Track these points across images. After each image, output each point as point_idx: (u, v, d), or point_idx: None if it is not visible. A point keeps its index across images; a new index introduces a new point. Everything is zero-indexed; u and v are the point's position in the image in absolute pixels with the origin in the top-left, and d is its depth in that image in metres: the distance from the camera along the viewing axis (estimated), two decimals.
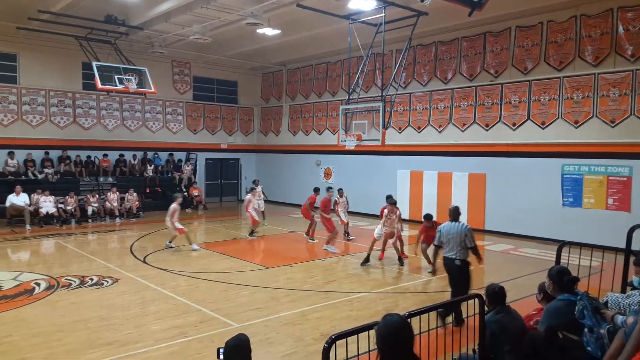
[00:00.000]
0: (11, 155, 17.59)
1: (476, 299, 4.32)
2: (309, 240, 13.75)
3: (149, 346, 6.20)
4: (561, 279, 4.21)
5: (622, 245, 6.02)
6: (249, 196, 15.05)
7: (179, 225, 12.35)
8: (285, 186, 22.75)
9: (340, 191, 14.24)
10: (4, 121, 17.92)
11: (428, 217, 10.60)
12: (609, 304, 4.33)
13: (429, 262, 10.28)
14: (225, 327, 6.91)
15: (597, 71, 13.21)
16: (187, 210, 20.00)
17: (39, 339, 6.43)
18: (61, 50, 18.50)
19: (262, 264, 11.04)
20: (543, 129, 14.30)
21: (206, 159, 23.31)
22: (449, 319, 6.43)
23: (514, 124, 14.94)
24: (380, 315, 7.48)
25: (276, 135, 24.04)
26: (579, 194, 13.54)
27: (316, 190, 14.23)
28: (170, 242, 12.52)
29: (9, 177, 17.09)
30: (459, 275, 6.95)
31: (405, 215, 17.86)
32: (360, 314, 7.57)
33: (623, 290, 5.32)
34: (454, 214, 7.23)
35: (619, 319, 3.67)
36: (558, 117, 13.98)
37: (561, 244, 5.93)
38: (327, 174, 21.18)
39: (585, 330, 3.81)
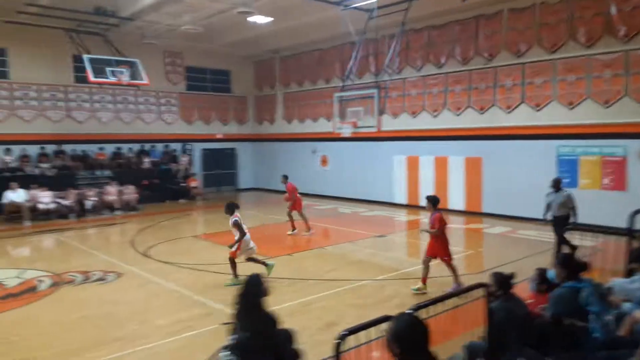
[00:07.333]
0: (8, 151, 17.51)
1: (480, 288, 4.40)
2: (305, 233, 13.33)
3: (155, 341, 6.25)
4: (570, 265, 4.27)
5: (619, 223, 6.09)
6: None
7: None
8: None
9: None
10: None
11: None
12: (615, 290, 4.41)
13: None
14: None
15: (590, 52, 13.23)
16: (180, 200, 20.06)
17: (47, 337, 6.48)
18: (51, 44, 18.24)
19: (263, 254, 11.07)
20: (537, 111, 14.36)
21: (202, 150, 23.25)
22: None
23: (509, 107, 14.98)
24: (385, 303, 7.54)
25: (271, 124, 23.98)
26: (574, 175, 13.65)
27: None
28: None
29: (6, 173, 17.00)
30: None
31: (404, 200, 18.02)
32: (365, 302, 7.64)
33: (627, 274, 5.40)
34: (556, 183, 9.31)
35: (627, 306, 3.75)
36: (552, 99, 14.03)
37: (563, 229, 6.00)
38: (324, 162, 21.20)
39: (592, 316, 3.90)
